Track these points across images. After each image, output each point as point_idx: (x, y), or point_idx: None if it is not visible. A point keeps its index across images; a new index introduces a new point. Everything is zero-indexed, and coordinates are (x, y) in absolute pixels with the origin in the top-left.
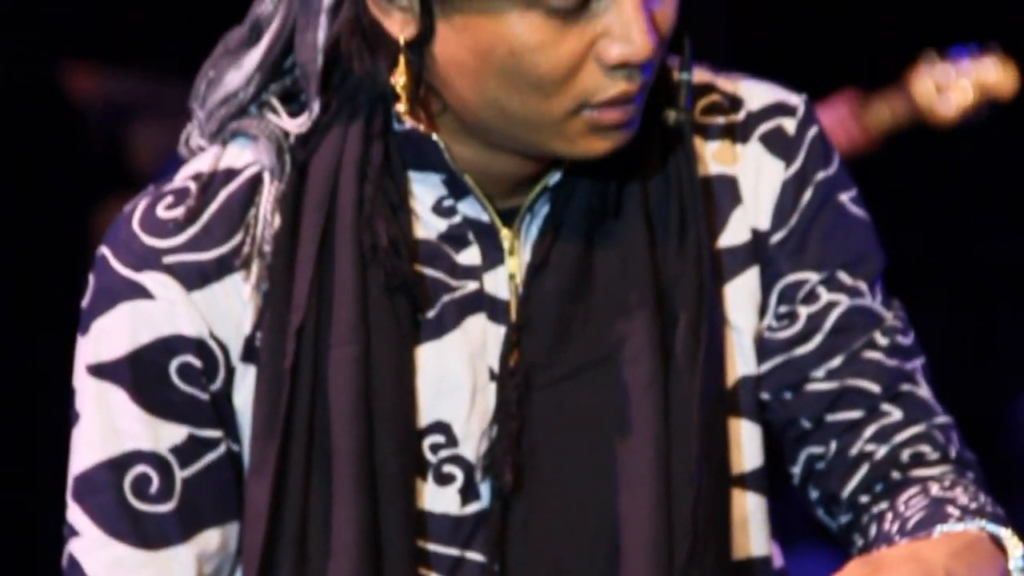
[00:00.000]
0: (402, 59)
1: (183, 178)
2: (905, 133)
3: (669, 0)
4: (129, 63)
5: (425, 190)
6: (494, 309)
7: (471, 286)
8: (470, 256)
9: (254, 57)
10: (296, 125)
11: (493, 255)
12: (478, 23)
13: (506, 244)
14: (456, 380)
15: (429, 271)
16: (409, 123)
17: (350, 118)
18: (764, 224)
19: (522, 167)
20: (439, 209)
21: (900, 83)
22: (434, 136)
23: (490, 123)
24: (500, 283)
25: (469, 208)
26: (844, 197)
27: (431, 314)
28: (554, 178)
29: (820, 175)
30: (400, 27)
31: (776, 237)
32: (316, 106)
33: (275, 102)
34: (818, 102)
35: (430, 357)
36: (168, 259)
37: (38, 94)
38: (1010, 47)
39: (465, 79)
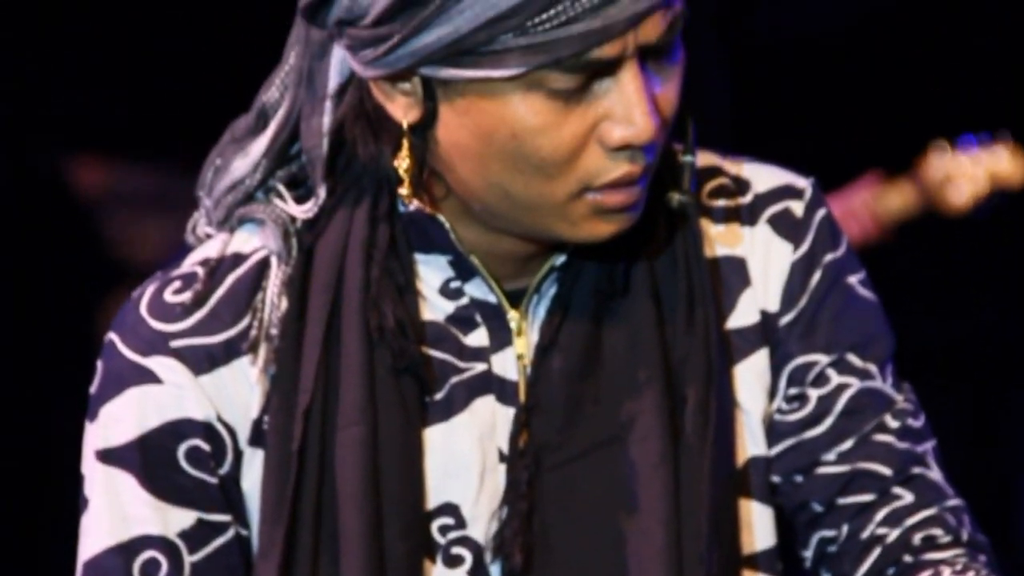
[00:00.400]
0: (405, 143)
1: (191, 263)
2: (914, 219)
3: (671, 82)
4: (137, 156)
5: (431, 272)
6: (503, 390)
7: (479, 367)
8: (478, 338)
9: (261, 144)
10: (302, 211)
11: (501, 336)
12: (480, 106)
13: (513, 325)
14: (465, 461)
15: (436, 353)
16: (414, 205)
17: (356, 201)
18: (773, 306)
19: (527, 247)
20: (446, 291)
21: (911, 172)
22: (439, 216)
23: (493, 206)
24: (508, 364)
25: (476, 289)
26: (853, 279)
27: (439, 396)
28: (560, 258)
29: (828, 257)
30: (403, 111)
31: (785, 319)
32: (322, 192)
33: (281, 188)
34: (834, 190)
35: (438, 438)
36: (176, 343)
37: (45, 187)
38: (1021, 136)
39: (468, 162)
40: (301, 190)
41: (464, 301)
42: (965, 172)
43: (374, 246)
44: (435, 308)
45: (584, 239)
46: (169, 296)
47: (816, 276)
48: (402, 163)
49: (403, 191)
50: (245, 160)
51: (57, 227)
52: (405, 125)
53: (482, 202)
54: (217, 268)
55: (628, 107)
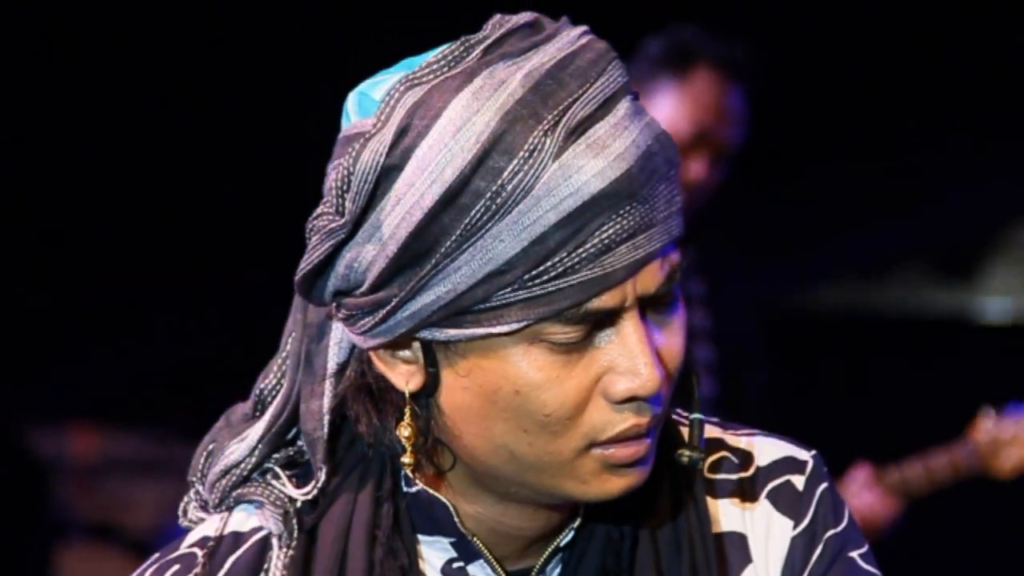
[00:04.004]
0: (408, 411)
1: (188, 545)
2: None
3: (674, 335)
4: (130, 424)
5: (434, 553)
6: None
7: None
8: None
9: (258, 429)
10: (301, 493)
11: None
12: (482, 365)
13: None
14: None
15: None
16: (419, 485)
17: (360, 481)
18: None
19: (533, 521)
20: (448, 571)
21: (962, 438)
22: (443, 498)
23: (500, 470)
24: None
25: (479, 571)
26: (854, 553)
27: None
28: (566, 539)
29: (830, 532)
30: (405, 379)
31: None
32: (322, 475)
33: (278, 470)
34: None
35: None
36: None
37: (42, 453)
38: None
39: (472, 425)
40: (298, 470)
41: None
42: (1013, 438)
43: (378, 527)
44: None
45: (595, 496)
46: None
47: (817, 551)
48: (404, 431)
49: (406, 460)
50: (241, 445)
51: (53, 490)
52: (407, 393)
53: (488, 467)
54: (216, 550)
55: (631, 359)
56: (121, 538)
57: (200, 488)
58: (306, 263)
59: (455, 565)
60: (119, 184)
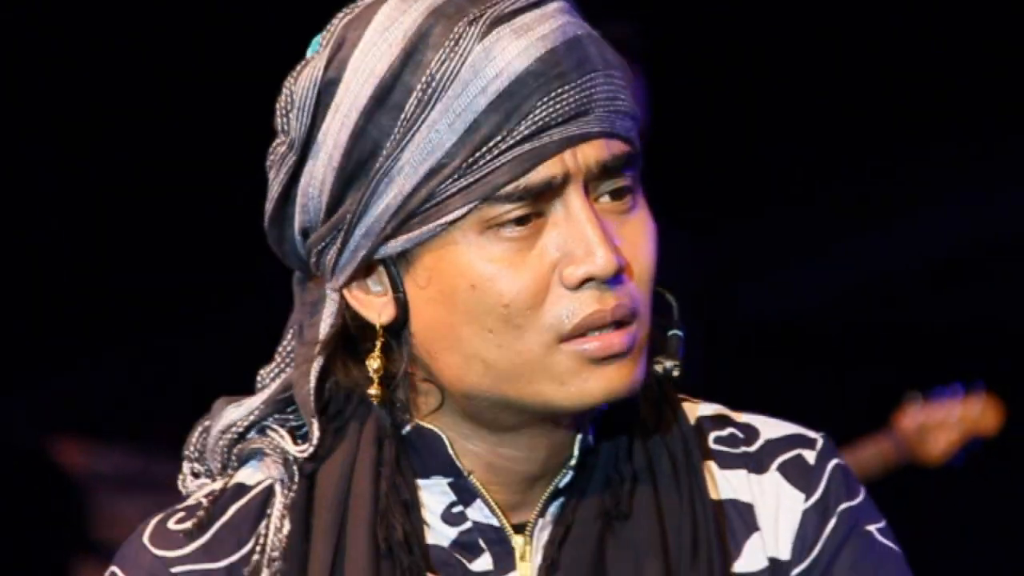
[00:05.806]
0: (378, 344)
1: (194, 497)
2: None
3: (637, 234)
4: (118, 439)
5: (433, 498)
6: None
7: None
8: (482, 563)
9: (258, 397)
10: (299, 450)
11: (505, 561)
12: (439, 268)
13: (517, 550)
14: None
15: None
16: (413, 421)
17: (359, 430)
18: (784, 554)
19: (529, 451)
20: (448, 517)
21: (888, 426)
22: (437, 430)
23: (479, 387)
24: None
25: (478, 513)
26: (872, 527)
27: None
28: (564, 479)
29: (844, 505)
30: (379, 312)
31: (798, 568)
32: (315, 428)
33: (276, 427)
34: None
35: None
36: (177, 568)
37: (27, 468)
38: (993, 384)
39: (443, 340)
40: (297, 433)
41: (467, 526)
42: (940, 423)
43: (382, 464)
44: (438, 534)
45: (577, 400)
46: (172, 524)
47: (831, 524)
48: (373, 363)
49: (372, 391)
50: (239, 408)
51: (38, 507)
52: (379, 325)
53: (468, 387)
54: (220, 498)
55: (584, 241)
56: (105, 553)
57: (194, 464)
58: (268, 200)
59: (455, 510)
60: (109, 194)
